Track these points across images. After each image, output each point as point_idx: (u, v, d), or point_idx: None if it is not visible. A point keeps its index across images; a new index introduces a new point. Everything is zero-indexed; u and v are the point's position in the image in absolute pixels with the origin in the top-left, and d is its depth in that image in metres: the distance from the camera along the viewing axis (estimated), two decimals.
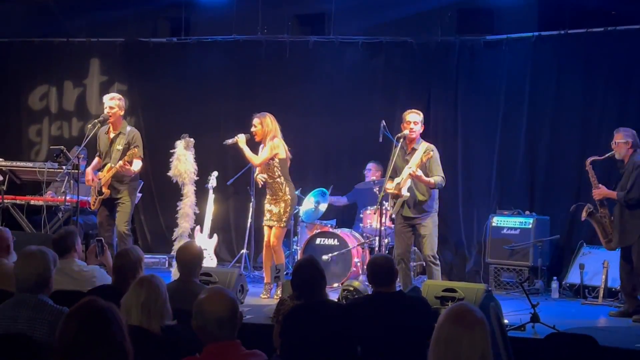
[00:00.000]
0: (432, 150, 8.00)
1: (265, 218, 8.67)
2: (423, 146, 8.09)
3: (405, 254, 8.16)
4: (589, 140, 9.87)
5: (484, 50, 10.67)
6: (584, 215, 8.33)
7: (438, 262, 8.10)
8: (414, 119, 8.12)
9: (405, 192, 7.97)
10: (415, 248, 9.30)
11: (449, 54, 10.82)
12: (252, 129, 8.59)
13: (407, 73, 11.06)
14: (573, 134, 10.06)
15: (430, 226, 8.07)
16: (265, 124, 8.54)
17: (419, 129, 8.14)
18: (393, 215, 8.31)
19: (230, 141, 8.70)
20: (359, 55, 11.21)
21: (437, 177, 8.00)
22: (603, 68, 9.94)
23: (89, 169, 8.77)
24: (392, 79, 11.11)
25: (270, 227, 8.61)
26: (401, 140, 8.12)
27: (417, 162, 7.90)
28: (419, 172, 7.83)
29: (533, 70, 10.34)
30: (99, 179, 8.56)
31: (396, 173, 8.17)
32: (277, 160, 8.54)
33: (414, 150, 8.10)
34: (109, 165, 8.54)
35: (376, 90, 11.16)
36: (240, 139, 8.61)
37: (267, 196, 8.68)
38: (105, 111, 8.61)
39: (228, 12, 11.64)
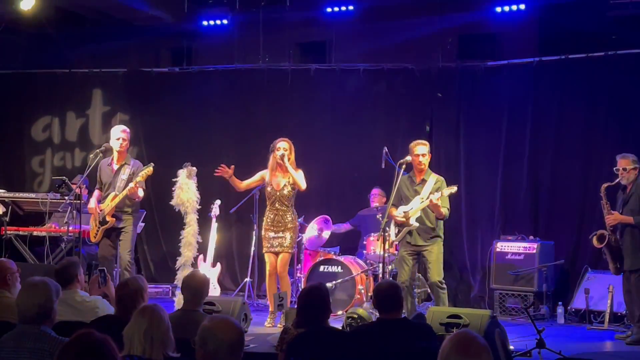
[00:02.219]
0: (441, 181, 8.17)
1: (268, 245, 8.63)
2: (433, 178, 8.21)
3: (409, 281, 8.15)
4: (591, 164, 9.88)
5: (485, 76, 10.70)
6: (599, 244, 8.21)
7: (445, 286, 8.13)
8: (421, 152, 8.19)
9: (413, 222, 8.05)
10: (419, 275, 9.32)
11: (450, 80, 10.85)
12: (282, 151, 8.55)
13: (408, 99, 11.08)
14: (576, 158, 10.06)
15: (436, 252, 8.12)
16: (293, 149, 8.64)
17: (427, 160, 8.20)
18: (396, 243, 8.31)
19: (282, 158, 8.54)
20: (361, 82, 11.25)
21: (445, 209, 8.09)
22: (604, 92, 9.95)
23: (93, 199, 8.75)
24: (393, 105, 11.14)
25: (276, 254, 8.58)
26: (403, 166, 8.14)
27: (436, 194, 7.97)
28: (439, 202, 7.91)
29: (535, 95, 10.36)
30: (101, 210, 8.57)
31: (401, 201, 8.22)
32: (295, 190, 8.63)
33: (423, 181, 8.18)
34: (113, 194, 8.54)
35: (378, 116, 11.19)
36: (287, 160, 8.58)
37: (269, 223, 8.65)
38: (119, 143, 8.62)
39: (229, 41, 11.72)
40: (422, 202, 8.04)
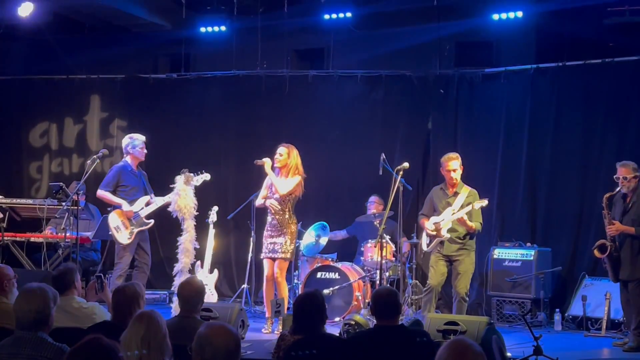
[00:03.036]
0: (474, 194, 8.32)
1: (266, 250, 8.64)
2: (466, 191, 8.32)
3: (438, 286, 8.33)
4: (589, 172, 9.88)
5: (483, 83, 10.72)
6: (601, 254, 8.19)
7: (468, 298, 8.34)
8: (454, 167, 8.31)
9: (445, 234, 8.20)
10: (417, 281, 9.38)
11: (448, 87, 10.86)
12: (277, 156, 8.63)
13: (406, 106, 11.09)
14: (573, 165, 10.07)
15: (467, 263, 8.27)
16: (292, 156, 8.67)
17: (459, 174, 8.33)
18: (429, 250, 8.45)
19: (259, 162, 8.68)
20: (358, 88, 11.26)
21: (477, 223, 8.23)
22: (601, 99, 9.97)
23: (125, 202, 9.00)
24: (391, 112, 11.14)
25: (273, 260, 8.59)
26: (401, 173, 8.22)
27: (466, 207, 8.15)
28: (465, 217, 8.06)
29: (532, 102, 10.36)
30: (135, 212, 8.96)
31: (434, 212, 8.39)
32: (293, 196, 8.63)
33: (456, 193, 8.32)
34: (147, 198, 9.10)
35: (376, 123, 11.19)
36: (268, 163, 8.64)
37: (268, 229, 8.66)
38: (144, 152, 9.20)
39: (227, 48, 11.71)
40: (454, 214, 8.16)
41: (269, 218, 8.70)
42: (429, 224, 8.33)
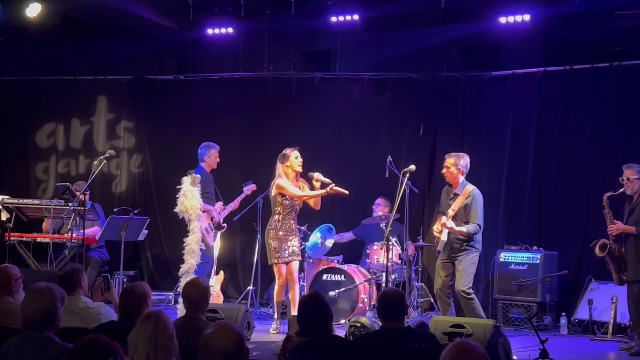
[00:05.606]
0: (471, 196, 8.27)
1: (285, 255, 8.58)
2: (465, 192, 8.31)
3: (439, 290, 8.38)
4: (596, 175, 9.87)
5: (490, 86, 10.71)
6: (601, 252, 8.22)
7: (472, 295, 8.25)
8: (446, 164, 8.38)
9: (443, 237, 8.23)
10: (422, 284, 9.39)
11: (454, 90, 10.85)
12: (300, 161, 8.67)
13: (413, 109, 11.09)
14: (580, 169, 10.05)
15: (465, 262, 8.24)
16: None
17: (450, 172, 8.35)
18: (439, 249, 8.47)
19: (329, 185, 8.63)
20: (365, 91, 11.26)
21: (471, 225, 8.19)
22: (609, 103, 9.95)
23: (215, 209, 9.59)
24: (398, 114, 11.14)
25: (289, 263, 8.60)
26: (407, 175, 8.27)
27: (457, 207, 8.22)
28: (450, 224, 8.09)
29: (539, 106, 10.35)
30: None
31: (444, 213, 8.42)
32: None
33: (456, 195, 8.31)
34: (220, 203, 9.70)
35: (382, 125, 11.19)
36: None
37: (286, 233, 8.61)
38: (217, 160, 9.50)
39: (234, 49, 11.71)
40: (448, 219, 8.19)
41: (287, 224, 8.65)
42: (436, 227, 8.40)
